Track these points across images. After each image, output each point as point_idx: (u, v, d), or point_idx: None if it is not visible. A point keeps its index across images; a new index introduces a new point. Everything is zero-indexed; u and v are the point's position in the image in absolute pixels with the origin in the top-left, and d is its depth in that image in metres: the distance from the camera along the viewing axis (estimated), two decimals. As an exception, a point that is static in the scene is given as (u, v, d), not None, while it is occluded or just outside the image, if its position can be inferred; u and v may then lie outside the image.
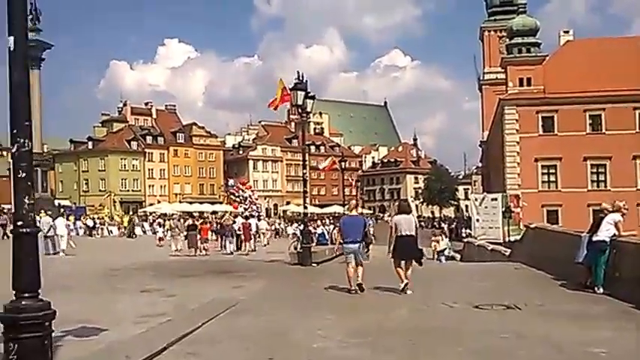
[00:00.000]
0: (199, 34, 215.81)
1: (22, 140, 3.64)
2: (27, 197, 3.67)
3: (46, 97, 49.90)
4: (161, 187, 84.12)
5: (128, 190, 80.00)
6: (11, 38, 3.59)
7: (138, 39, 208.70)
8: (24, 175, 3.66)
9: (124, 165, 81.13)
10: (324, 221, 37.82)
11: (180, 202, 69.69)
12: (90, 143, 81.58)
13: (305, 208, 17.47)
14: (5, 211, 36.49)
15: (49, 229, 20.86)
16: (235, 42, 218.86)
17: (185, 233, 23.12)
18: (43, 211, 25.32)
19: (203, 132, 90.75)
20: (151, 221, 48.25)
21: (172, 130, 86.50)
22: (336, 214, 49.60)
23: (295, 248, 19.67)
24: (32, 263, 3.74)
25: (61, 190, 77.13)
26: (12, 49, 3.59)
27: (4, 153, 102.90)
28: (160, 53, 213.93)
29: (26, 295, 3.68)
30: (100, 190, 76.30)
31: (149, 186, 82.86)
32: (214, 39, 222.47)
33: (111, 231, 43.15)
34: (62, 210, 32.75)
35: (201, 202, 65.25)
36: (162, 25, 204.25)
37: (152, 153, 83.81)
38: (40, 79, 46.75)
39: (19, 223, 3.68)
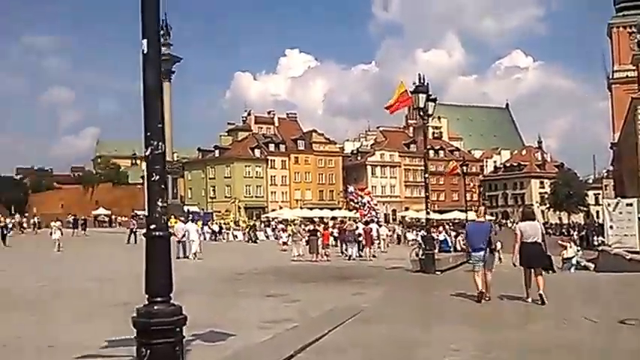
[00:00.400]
0: (319, 43, 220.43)
1: (155, 143, 3.64)
2: (160, 200, 3.65)
3: (175, 108, 53.24)
4: (282, 193, 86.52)
5: (252, 196, 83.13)
6: (144, 41, 3.62)
7: (261, 51, 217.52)
8: (157, 177, 3.64)
9: (248, 172, 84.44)
10: (445, 227, 36.71)
11: (300, 207, 71.11)
12: (217, 151, 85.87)
13: (427, 213, 16.92)
14: (141, 216, 39.14)
15: (184, 235, 22.07)
16: (354, 50, 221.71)
17: (307, 238, 23.36)
18: (173, 216, 26.85)
19: (322, 139, 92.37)
20: (274, 226, 49.56)
21: (293, 138, 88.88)
22: (456, 220, 48.20)
23: (417, 255, 19.14)
24: (164, 267, 3.71)
25: (190, 196, 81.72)
26: (145, 51, 3.62)
27: (138, 162, 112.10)
28: (282, 64, 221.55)
29: (158, 299, 3.65)
30: (225, 197, 79.86)
31: (271, 192, 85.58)
32: (333, 48, 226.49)
33: (236, 236, 44.68)
34: (191, 216, 34.53)
35: (320, 208, 66.15)
36: (283, 37, 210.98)
37: (274, 160, 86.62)
38: (170, 90, 50.16)
39: (152, 226, 3.67)
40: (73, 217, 46.95)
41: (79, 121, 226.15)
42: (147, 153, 3.64)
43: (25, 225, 47.75)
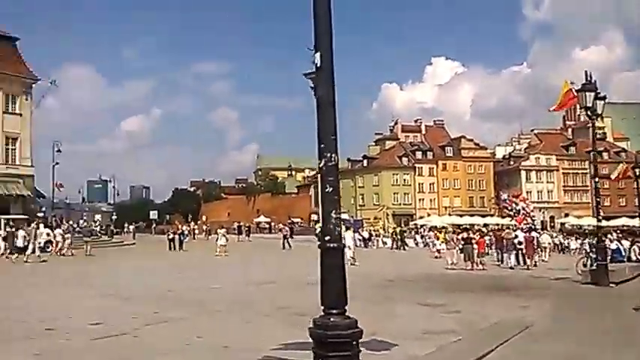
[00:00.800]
0: (466, 49, 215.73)
1: (329, 154, 3.65)
2: (334, 211, 3.66)
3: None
4: (431, 200, 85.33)
5: (400, 204, 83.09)
6: (317, 55, 3.66)
7: (407, 61, 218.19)
8: (331, 189, 3.65)
9: (396, 180, 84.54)
10: (615, 235, 33.54)
11: (449, 214, 69.56)
12: (365, 161, 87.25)
13: (598, 220, 15.56)
14: (298, 223, 40.76)
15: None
16: (503, 53, 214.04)
17: (461, 246, 22.65)
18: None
19: (472, 144, 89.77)
20: (422, 233, 48.94)
21: (441, 145, 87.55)
22: (624, 227, 44.08)
23: (585, 265, 17.70)
24: (339, 279, 3.70)
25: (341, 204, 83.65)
26: (318, 65, 3.66)
27: (293, 173, 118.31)
28: (428, 72, 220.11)
29: (334, 311, 3.64)
30: (374, 204, 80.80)
31: (419, 199, 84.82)
32: (481, 53, 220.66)
33: (385, 242, 44.79)
34: (342, 223, 35.17)
35: (471, 215, 64.25)
36: (429, 45, 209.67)
37: (422, 167, 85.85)
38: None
39: (327, 237, 3.67)
40: (237, 225, 50.34)
41: (242, 138, 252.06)
42: (320, 165, 3.66)
43: (197, 231, 52.02)
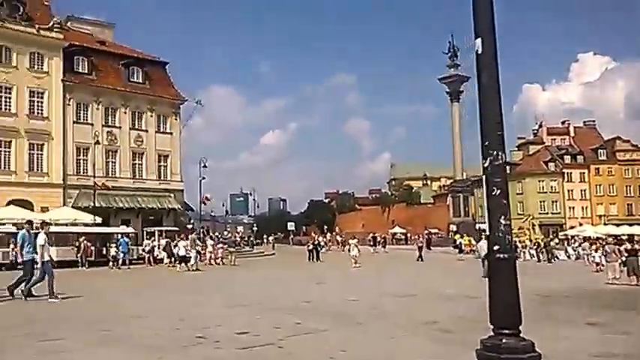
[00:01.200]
0: (616, 42, 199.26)
1: (494, 152, 3.24)
2: (503, 217, 3.23)
3: (466, 127, 53.49)
4: (582, 208, 79.85)
5: (547, 213, 78.51)
6: (478, 41, 3.29)
7: (549, 59, 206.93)
8: (498, 192, 3.24)
9: (542, 187, 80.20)
10: None
11: (604, 224, 64.28)
12: (507, 167, 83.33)
13: None
14: (436, 234, 39.83)
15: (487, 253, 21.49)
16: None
17: (624, 259, 20.52)
18: (466, 234, 26.52)
19: (628, 146, 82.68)
20: (575, 245, 45.53)
21: (592, 148, 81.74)
22: None
23: None
24: (511, 295, 3.25)
25: (480, 214, 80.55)
26: (479, 51, 3.29)
27: (429, 182, 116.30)
28: (573, 70, 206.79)
29: (506, 331, 3.18)
30: (518, 214, 76.60)
31: (569, 207, 79.69)
32: (634, 45, 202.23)
33: (533, 255, 42.31)
34: (483, 234, 33.82)
35: (630, 224, 58.79)
36: (574, 41, 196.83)
37: (571, 173, 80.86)
38: (460, 110, 50.54)
39: (495, 247, 3.25)
40: (372, 235, 50.42)
41: (374, 148, 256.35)
42: (485, 164, 3.26)
43: (330, 243, 52.98)
